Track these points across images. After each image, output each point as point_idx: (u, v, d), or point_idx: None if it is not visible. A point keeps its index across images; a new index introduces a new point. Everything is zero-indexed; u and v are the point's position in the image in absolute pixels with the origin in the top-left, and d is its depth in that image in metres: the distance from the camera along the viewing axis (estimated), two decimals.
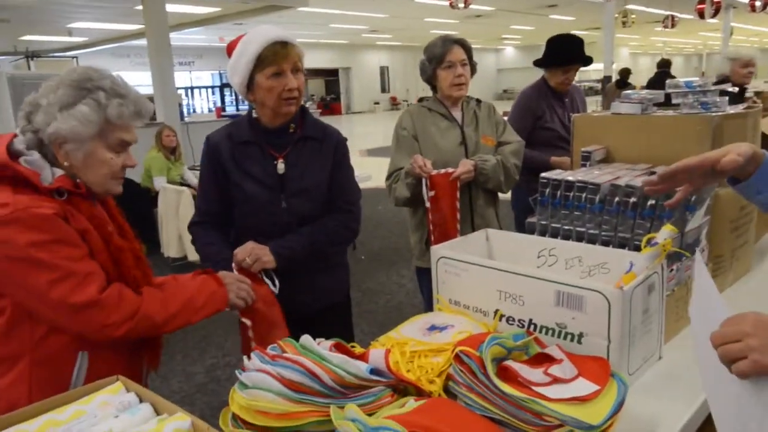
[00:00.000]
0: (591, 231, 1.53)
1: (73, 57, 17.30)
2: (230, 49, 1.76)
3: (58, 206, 1.24)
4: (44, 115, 1.27)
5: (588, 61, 3.03)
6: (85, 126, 1.27)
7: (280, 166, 1.78)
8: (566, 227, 1.57)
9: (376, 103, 31.30)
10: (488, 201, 2.40)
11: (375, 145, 14.18)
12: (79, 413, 0.91)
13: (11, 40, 15.12)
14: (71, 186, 1.29)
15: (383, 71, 31.97)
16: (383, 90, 32.21)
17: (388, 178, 2.38)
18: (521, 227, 1.69)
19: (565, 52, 3.03)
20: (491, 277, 1.30)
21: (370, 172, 6.04)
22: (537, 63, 3.13)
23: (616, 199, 1.48)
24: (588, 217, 1.53)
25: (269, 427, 0.95)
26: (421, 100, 2.49)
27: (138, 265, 1.42)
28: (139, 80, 19.83)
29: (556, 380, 1.04)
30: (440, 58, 2.32)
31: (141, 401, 0.97)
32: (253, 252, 1.67)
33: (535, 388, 1.01)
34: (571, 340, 1.18)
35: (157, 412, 0.93)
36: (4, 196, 1.21)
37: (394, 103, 31.87)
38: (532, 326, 1.24)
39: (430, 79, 2.41)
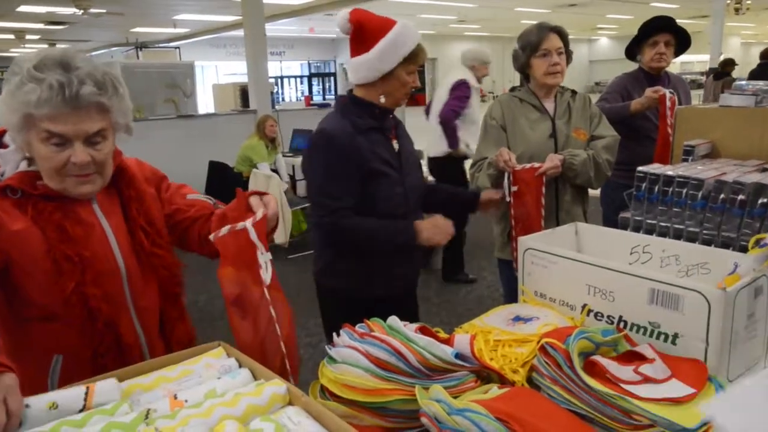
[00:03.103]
0: (691, 229, 1.45)
1: (175, 47, 18.41)
2: (365, 30, 1.80)
3: None
4: None
5: (681, 34, 2.87)
6: (8, 114, 1.11)
7: (395, 145, 1.88)
8: (663, 224, 1.50)
9: None
10: (575, 197, 2.32)
11: None
12: (186, 372, 1.00)
13: (124, 33, 16.34)
14: (26, 185, 1.14)
15: None
16: None
17: (472, 166, 2.36)
18: (611, 225, 1.63)
19: (649, 22, 2.92)
20: (580, 270, 1.27)
21: None
22: (627, 51, 3.02)
23: (722, 195, 1.39)
24: (688, 214, 1.46)
25: (356, 401, 0.99)
26: (513, 89, 2.44)
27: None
28: (234, 69, 20.82)
29: (647, 379, 1.01)
30: (535, 46, 2.25)
31: (240, 366, 1.04)
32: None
33: (624, 386, 0.99)
34: (665, 340, 1.14)
35: (255, 378, 1.00)
36: None
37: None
38: (622, 323, 1.20)
39: (524, 68, 2.34)
